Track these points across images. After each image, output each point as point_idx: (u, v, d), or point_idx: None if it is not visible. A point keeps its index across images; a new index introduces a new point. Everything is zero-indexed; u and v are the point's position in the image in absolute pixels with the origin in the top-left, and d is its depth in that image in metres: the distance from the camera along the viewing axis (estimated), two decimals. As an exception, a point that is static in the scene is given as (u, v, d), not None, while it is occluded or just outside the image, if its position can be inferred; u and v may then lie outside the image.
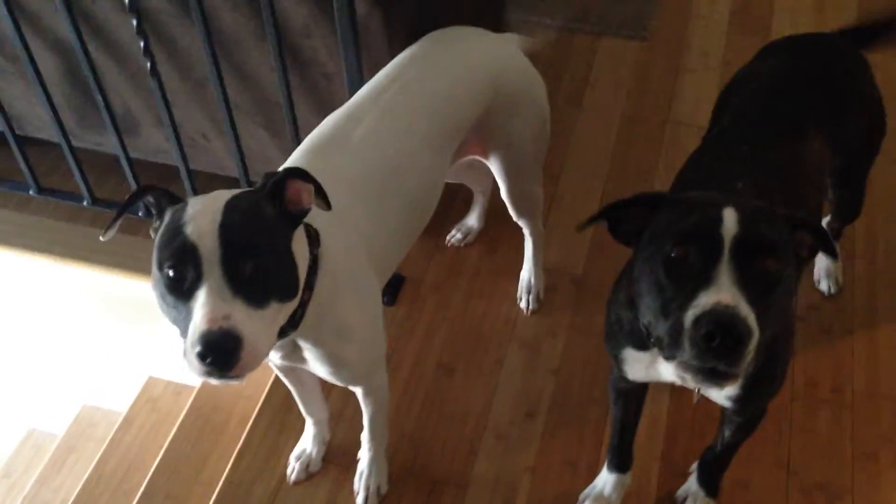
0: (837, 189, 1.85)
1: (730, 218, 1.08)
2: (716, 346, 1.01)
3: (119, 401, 2.74)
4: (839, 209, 1.98)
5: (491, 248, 2.26)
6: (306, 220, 1.22)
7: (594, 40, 2.84)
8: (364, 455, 1.78)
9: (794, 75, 1.65)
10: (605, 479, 1.77)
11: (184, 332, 1.07)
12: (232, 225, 1.07)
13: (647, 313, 1.14)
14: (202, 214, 1.08)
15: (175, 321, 1.10)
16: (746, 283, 1.05)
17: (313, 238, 1.27)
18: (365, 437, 1.74)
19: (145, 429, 2.48)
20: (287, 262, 1.15)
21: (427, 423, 1.92)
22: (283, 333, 1.23)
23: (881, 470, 1.81)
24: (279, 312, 1.13)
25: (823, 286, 2.13)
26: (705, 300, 1.03)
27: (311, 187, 1.17)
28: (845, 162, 1.67)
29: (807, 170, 1.51)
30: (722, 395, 1.38)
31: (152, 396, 2.56)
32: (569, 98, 2.63)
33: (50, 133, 2.32)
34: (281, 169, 1.22)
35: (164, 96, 1.94)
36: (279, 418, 1.95)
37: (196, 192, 2.15)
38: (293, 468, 1.83)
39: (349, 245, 1.38)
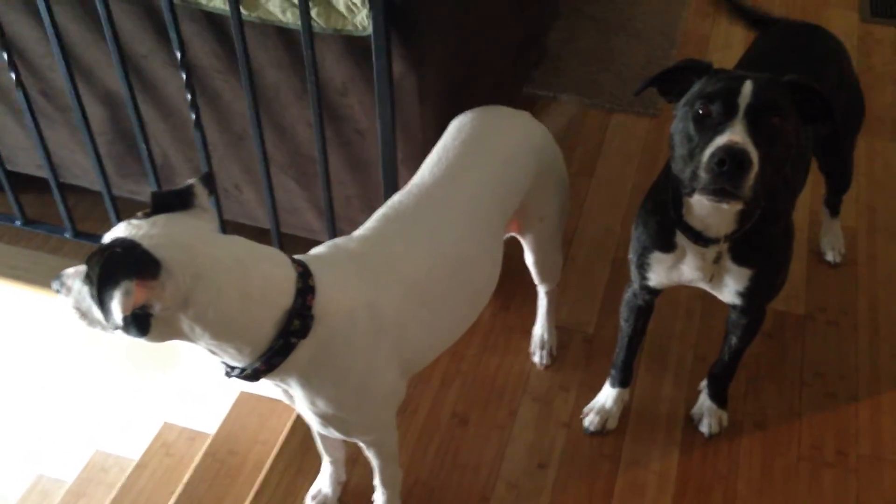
0: (827, 158, 2.14)
1: (747, 86, 1.37)
2: (725, 171, 1.31)
3: (132, 447, 2.76)
4: (831, 181, 2.27)
5: (504, 306, 2.33)
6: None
7: (606, 116, 2.97)
8: (378, 499, 1.81)
9: (779, 50, 1.94)
10: (608, 394, 2.02)
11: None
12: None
13: (679, 162, 1.43)
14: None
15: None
16: (754, 132, 1.34)
17: (306, 287, 1.28)
18: (377, 482, 1.78)
19: (158, 473, 2.51)
20: None
21: (441, 470, 1.97)
22: (261, 372, 1.30)
23: (885, 532, 1.85)
24: None
25: (829, 256, 2.41)
26: (720, 140, 1.33)
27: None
28: (830, 132, 1.94)
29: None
30: (732, 291, 1.64)
31: (167, 442, 2.59)
32: (582, 168, 2.75)
33: (88, 180, 2.42)
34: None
35: (205, 148, 2.04)
36: (297, 461, 2.00)
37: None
38: (310, 508, 1.87)
39: (362, 330, 1.38)
